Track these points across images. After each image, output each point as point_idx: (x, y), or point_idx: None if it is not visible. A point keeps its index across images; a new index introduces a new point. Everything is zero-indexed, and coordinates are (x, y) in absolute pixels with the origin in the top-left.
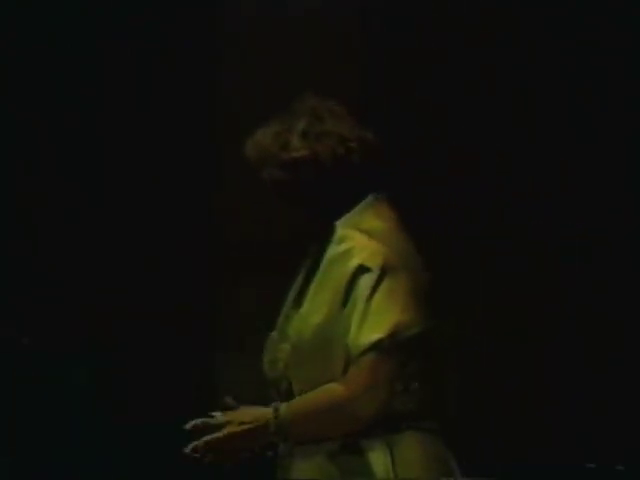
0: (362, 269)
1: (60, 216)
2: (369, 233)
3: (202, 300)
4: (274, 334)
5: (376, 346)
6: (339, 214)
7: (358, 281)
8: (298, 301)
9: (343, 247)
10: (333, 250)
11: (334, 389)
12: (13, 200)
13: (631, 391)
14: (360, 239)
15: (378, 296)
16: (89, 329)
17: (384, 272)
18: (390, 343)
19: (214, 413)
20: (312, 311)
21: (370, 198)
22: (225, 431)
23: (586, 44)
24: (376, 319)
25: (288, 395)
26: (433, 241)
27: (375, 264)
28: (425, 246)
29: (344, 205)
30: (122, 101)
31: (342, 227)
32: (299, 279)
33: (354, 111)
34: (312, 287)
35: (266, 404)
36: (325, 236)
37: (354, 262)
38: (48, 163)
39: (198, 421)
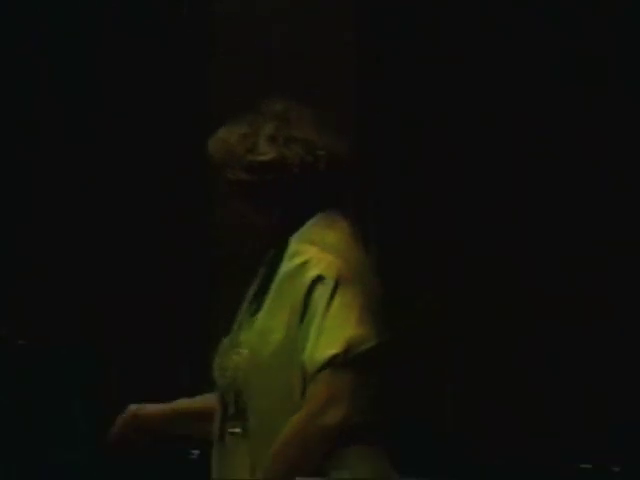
0: (317, 282)
1: (58, 214)
2: (323, 246)
3: (202, 299)
4: (226, 340)
5: (331, 362)
6: (301, 221)
7: (314, 295)
8: (253, 311)
9: (297, 261)
10: (287, 265)
11: (293, 418)
12: (13, 199)
13: (631, 392)
14: (314, 252)
15: (333, 310)
16: (86, 328)
17: (338, 285)
18: (345, 358)
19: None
20: (271, 328)
21: (325, 212)
22: None
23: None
24: (331, 334)
25: (234, 404)
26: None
27: (330, 277)
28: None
29: (307, 213)
30: (120, 99)
31: (295, 241)
32: (254, 287)
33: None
34: (268, 301)
35: None
36: (281, 247)
37: (309, 275)
38: (50, 163)
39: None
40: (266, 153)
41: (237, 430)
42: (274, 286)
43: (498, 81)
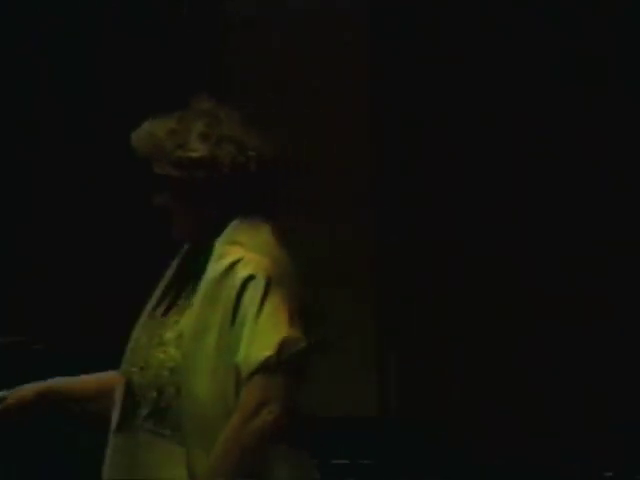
0: (248, 282)
1: (62, 215)
2: (250, 247)
3: None
4: (139, 336)
5: (265, 365)
6: (227, 222)
7: (245, 295)
8: (166, 308)
9: (226, 261)
10: (216, 266)
11: (229, 422)
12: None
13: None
14: (243, 253)
15: (265, 312)
16: (104, 330)
17: (269, 285)
18: (278, 360)
19: None
20: (203, 329)
21: (247, 215)
22: None
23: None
24: (264, 337)
25: (153, 402)
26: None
27: (261, 277)
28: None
29: (232, 213)
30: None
31: (221, 243)
32: (163, 282)
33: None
34: (197, 301)
35: None
36: (201, 246)
37: (240, 275)
38: (50, 164)
39: None
40: (197, 150)
41: (166, 432)
42: (203, 287)
43: (498, 81)
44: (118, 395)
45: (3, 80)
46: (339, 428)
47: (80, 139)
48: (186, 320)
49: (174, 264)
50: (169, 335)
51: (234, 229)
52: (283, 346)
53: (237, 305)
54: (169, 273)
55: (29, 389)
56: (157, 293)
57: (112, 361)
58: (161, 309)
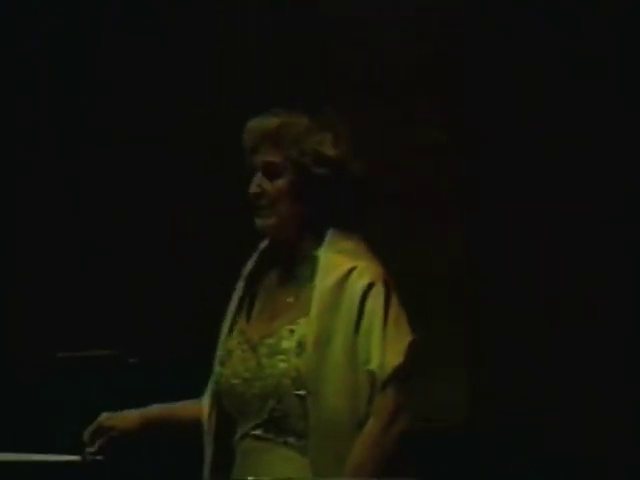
0: (370, 290)
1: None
2: (357, 255)
3: None
4: (235, 351)
5: (398, 372)
6: (315, 222)
7: (367, 303)
8: (268, 317)
9: (341, 271)
10: (330, 275)
11: (367, 429)
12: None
13: None
14: (355, 261)
15: (390, 319)
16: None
17: (388, 291)
18: (408, 366)
19: None
20: (327, 338)
21: (336, 227)
22: None
23: None
24: (395, 344)
25: (269, 411)
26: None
27: (380, 284)
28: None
29: (323, 223)
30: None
31: (326, 253)
32: (236, 297)
33: None
34: (314, 310)
35: None
36: (291, 251)
37: (361, 283)
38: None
39: None
40: (333, 150)
41: (279, 439)
42: (319, 296)
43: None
44: (210, 405)
45: (3, 80)
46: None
47: (82, 140)
48: (304, 329)
49: (245, 273)
50: (287, 344)
51: (334, 238)
52: (410, 352)
53: (360, 313)
54: (241, 285)
55: (131, 420)
56: (234, 304)
57: (203, 374)
58: (242, 319)
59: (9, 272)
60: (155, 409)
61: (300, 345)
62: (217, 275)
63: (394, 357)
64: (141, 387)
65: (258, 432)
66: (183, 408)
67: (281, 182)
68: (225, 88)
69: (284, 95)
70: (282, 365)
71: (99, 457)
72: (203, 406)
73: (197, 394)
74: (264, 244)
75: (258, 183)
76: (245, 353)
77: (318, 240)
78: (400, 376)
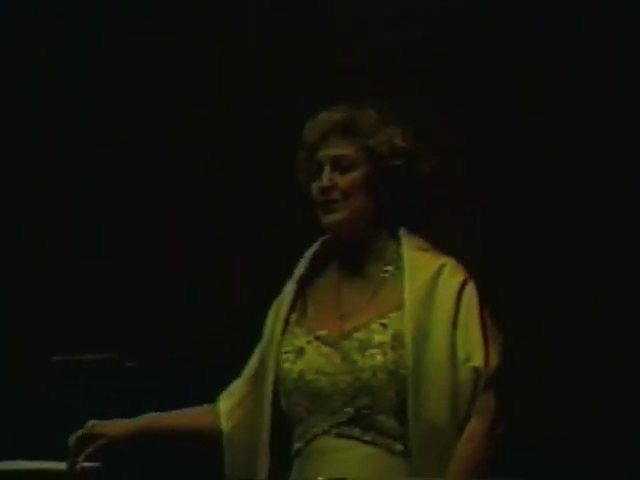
0: (464, 286)
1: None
2: (438, 253)
3: None
4: (307, 347)
5: (499, 371)
6: (383, 221)
7: (463, 300)
8: (348, 309)
9: (433, 268)
10: (421, 272)
11: (475, 428)
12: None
13: None
14: (442, 258)
15: (486, 317)
16: (196, 347)
17: (479, 289)
18: (503, 366)
19: None
20: (422, 334)
21: (404, 222)
22: None
23: None
24: (493, 343)
25: (360, 407)
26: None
27: (472, 281)
28: None
29: (391, 220)
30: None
31: (409, 250)
32: (291, 292)
33: None
34: (408, 306)
35: None
36: (360, 243)
37: (456, 280)
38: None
39: None
40: (406, 142)
41: (367, 437)
42: (411, 291)
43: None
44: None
45: (3, 80)
46: None
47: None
48: (398, 323)
49: (298, 275)
50: (381, 338)
51: (409, 236)
52: (501, 350)
53: (457, 308)
54: (292, 287)
55: (120, 429)
56: (286, 306)
57: (204, 378)
58: (297, 318)
59: (6, 274)
60: (146, 418)
61: (396, 339)
62: (217, 277)
63: (495, 356)
64: (140, 391)
65: (341, 430)
66: (175, 418)
67: (355, 174)
68: (225, 88)
69: (284, 95)
70: (379, 358)
71: (95, 464)
72: (221, 412)
73: (196, 398)
74: (315, 247)
75: (329, 177)
76: (320, 349)
77: (389, 236)
78: (500, 375)
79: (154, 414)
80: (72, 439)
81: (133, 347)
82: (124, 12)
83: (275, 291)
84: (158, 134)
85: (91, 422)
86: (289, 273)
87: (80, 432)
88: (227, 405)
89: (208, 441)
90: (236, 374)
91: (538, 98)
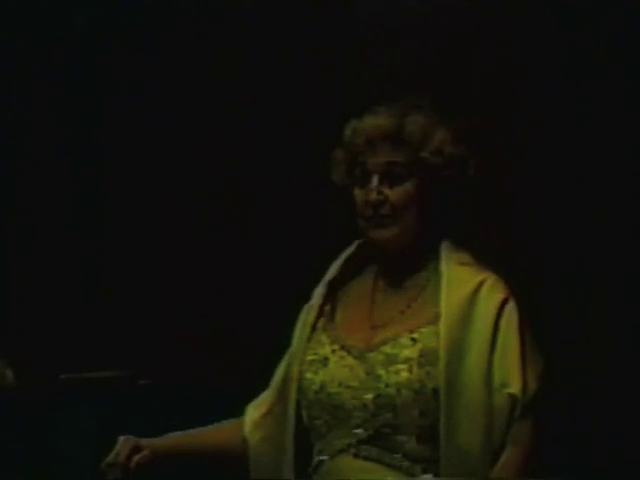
0: (505, 305)
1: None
2: (479, 267)
3: None
4: (331, 358)
5: (536, 398)
6: (430, 232)
7: (502, 319)
8: (378, 322)
9: (472, 284)
10: (459, 288)
11: (508, 465)
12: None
13: None
14: (482, 274)
15: (527, 341)
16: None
17: (519, 309)
18: (543, 393)
19: None
20: (457, 353)
21: (448, 235)
22: None
23: None
24: (532, 367)
25: (381, 425)
26: None
27: (513, 300)
28: None
29: (430, 230)
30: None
31: (448, 264)
32: (319, 299)
33: None
34: (442, 323)
35: None
36: (391, 257)
37: (496, 298)
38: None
39: None
40: (456, 148)
41: (387, 459)
42: (448, 307)
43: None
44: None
45: (3, 80)
46: None
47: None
48: (429, 339)
49: (328, 279)
50: (408, 353)
51: (450, 249)
52: (541, 375)
53: (495, 330)
54: (321, 291)
55: (160, 445)
56: (314, 310)
57: (219, 396)
58: (324, 326)
59: (15, 289)
60: (174, 437)
61: (423, 354)
62: (230, 288)
63: (533, 381)
64: (153, 411)
65: (358, 449)
66: (203, 435)
67: (407, 187)
68: (230, 89)
69: (291, 97)
70: (404, 375)
71: None
72: (246, 424)
73: (212, 417)
74: (350, 250)
75: (379, 190)
76: (345, 360)
77: (430, 248)
78: (536, 403)
79: (179, 433)
80: (121, 453)
81: (147, 364)
82: (124, 12)
83: (293, 308)
84: (161, 134)
85: (123, 438)
86: (310, 288)
87: (133, 441)
88: (254, 416)
89: (240, 459)
90: (254, 390)
91: (563, 99)
